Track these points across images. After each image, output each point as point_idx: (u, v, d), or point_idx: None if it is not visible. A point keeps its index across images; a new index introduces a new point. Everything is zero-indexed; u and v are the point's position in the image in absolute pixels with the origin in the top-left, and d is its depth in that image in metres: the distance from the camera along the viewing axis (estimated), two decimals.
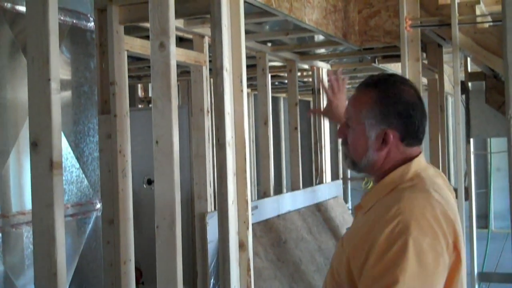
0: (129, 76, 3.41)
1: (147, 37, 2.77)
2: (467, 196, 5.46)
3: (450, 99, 8.44)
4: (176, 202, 2.36)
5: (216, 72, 2.86)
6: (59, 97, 1.74)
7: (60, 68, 1.80)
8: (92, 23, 2.27)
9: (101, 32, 3.23)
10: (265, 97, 5.25)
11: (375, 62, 5.94)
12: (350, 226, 1.79)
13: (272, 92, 5.91)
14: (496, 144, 8.30)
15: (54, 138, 1.71)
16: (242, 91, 2.96)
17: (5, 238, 1.88)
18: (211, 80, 3.73)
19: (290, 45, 5.39)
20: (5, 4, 1.92)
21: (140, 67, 5.95)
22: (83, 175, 2.18)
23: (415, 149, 1.64)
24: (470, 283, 5.09)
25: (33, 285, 1.76)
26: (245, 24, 3.07)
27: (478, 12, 4.65)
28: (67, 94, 2.15)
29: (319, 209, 5.80)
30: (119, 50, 3.24)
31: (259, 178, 7.35)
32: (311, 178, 6.79)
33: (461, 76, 5.31)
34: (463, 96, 5.77)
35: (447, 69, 5.90)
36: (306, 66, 6.50)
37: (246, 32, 3.23)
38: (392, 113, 1.58)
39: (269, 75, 5.40)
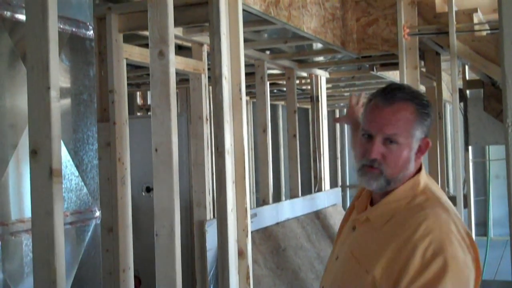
0: (128, 84, 3.42)
1: (146, 45, 2.79)
2: (466, 204, 5.46)
3: (448, 107, 8.46)
4: (175, 210, 2.36)
5: (215, 80, 2.87)
6: (58, 105, 1.74)
7: (59, 76, 1.80)
8: (92, 31, 2.27)
9: (100, 40, 3.24)
10: (263, 105, 5.26)
11: (373, 70, 5.95)
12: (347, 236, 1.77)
13: (270, 99, 5.93)
14: (495, 151, 8.31)
15: (54, 146, 1.71)
16: (241, 99, 2.97)
17: (4, 246, 1.88)
18: (210, 88, 3.74)
19: (288, 53, 5.41)
20: (5, 12, 1.93)
21: (139, 75, 5.96)
22: (82, 183, 2.18)
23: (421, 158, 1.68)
24: None
25: None
26: (244, 32, 3.08)
27: (475, 20, 4.66)
28: (67, 102, 2.16)
29: (318, 217, 5.80)
30: (118, 58, 3.24)
31: (258, 185, 7.36)
32: (310, 185, 6.79)
33: (459, 83, 5.32)
34: (461, 104, 5.79)
35: (445, 76, 5.92)
36: (304, 74, 6.52)
37: (245, 40, 3.24)
38: (429, 123, 1.63)
39: (268, 83, 5.41)
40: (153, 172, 2.40)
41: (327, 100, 6.65)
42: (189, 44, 4.17)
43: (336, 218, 6.12)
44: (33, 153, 1.72)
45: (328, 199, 6.27)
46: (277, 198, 9.12)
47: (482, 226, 8.27)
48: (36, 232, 1.74)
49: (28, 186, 1.77)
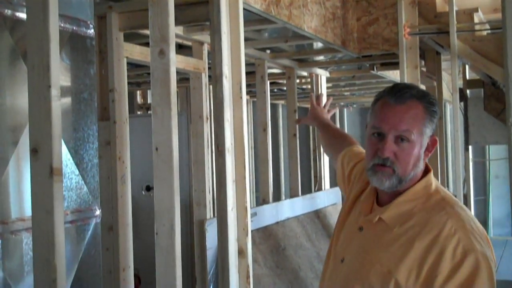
0: (128, 83, 3.42)
1: (146, 44, 2.78)
2: (466, 203, 5.46)
3: (448, 107, 8.45)
4: (175, 209, 2.36)
5: (215, 79, 2.87)
6: (59, 104, 1.74)
7: (60, 74, 1.80)
8: (92, 30, 2.27)
9: (101, 39, 3.24)
10: (264, 104, 5.26)
11: (373, 70, 5.95)
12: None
13: (271, 99, 5.93)
14: (495, 151, 8.32)
15: (54, 144, 1.71)
16: (241, 98, 2.97)
17: (4, 245, 1.88)
18: (210, 87, 3.74)
19: (289, 52, 5.41)
20: (5, 11, 1.93)
21: (139, 74, 5.96)
22: (83, 182, 2.18)
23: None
24: None
25: None
26: (245, 31, 3.07)
27: (476, 20, 4.66)
28: (67, 100, 2.16)
29: (318, 216, 5.80)
30: (119, 57, 3.24)
31: (258, 185, 7.36)
32: (310, 185, 6.80)
33: (460, 83, 5.32)
34: (462, 104, 5.79)
35: (445, 76, 5.92)
36: (305, 73, 6.52)
37: (245, 39, 3.24)
38: (437, 120, 1.65)
39: (268, 82, 5.41)
40: (153, 171, 2.40)
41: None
42: (189, 43, 4.17)
43: (336, 218, 6.11)
44: (34, 151, 1.73)
45: (328, 198, 6.27)
46: (277, 197, 9.13)
47: (482, 226, 8.26)
48: (36, 230, 1.74)
49: (28, 184, 1.77)
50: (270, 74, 6.06)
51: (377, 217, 1.65)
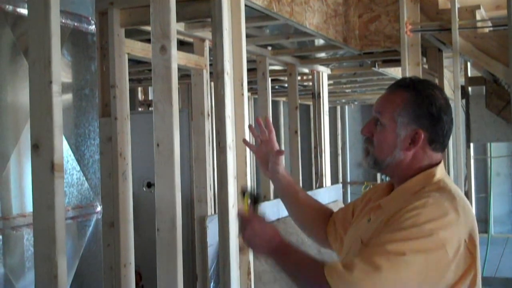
0: (129, 79, 3.42)
1: (148, 41, 2.78)
2: None
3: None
4: (176, 205, 2.36)
5: (216, 75, 2.86)
6: (60, 100, 1.74)
7: (61, 70, 1.80)
8: (93, 26, 2.27)
9: (102, 35, 3.23)
10: (265, 101, 5.25)
11: (375, 67, 5.94)
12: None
13: (272, 96, 5.92)
14: (496, 149, 8.31)
15: (55, 140, 1.71)
16: (242, 94, 2.97)
17: (5, 241, 1.88)
18: (212, 83, 3.73)
19: (290, 49, 5.40)
20: (7, 6, 1.93)
21: (140, 70, 5.95)
22: (84, 178, 2.18)
23: (439, 156, 1.66)
24: None
25: (34, 287, 1.76)
26: (246, 28, 3.07)
27: (478, 17, 4.65)
28: (68, 96, 2.15)
29: None
30: (120, 53, 3.24)
31: (259, 181, 7.36)
32: (311, 181, 6.79)
33: (461, 80, 5.32)
34: (463, 101, 5.78)
35: (447, 73, 5.91)
36: (306, 70, 6.51)
37: (247, 36, 3.23)
38: (425, 114, 1.60)
39: (269, 79, 5.40)
40: (154, 168, 2.39)
41: (329, 96, 6.64)
42: (191, 40, 4.17)
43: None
44: (35, 147, 1.72)
45: (329, 195, 6.27)
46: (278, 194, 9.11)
47: (483, 223, 8.27)
48: (37, 226, 1.74)
49: (29, 180, 1.77)
50: (272, 71, 6.05)
51: (377, 203, 1.68)
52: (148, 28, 2.68)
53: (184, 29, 3.84)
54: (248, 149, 3.00)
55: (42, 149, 1.72)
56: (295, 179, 5.71)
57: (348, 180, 11.80)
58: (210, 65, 3.88)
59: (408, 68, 4.45)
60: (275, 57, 5.37)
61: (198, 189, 4.13)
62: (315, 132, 6.43)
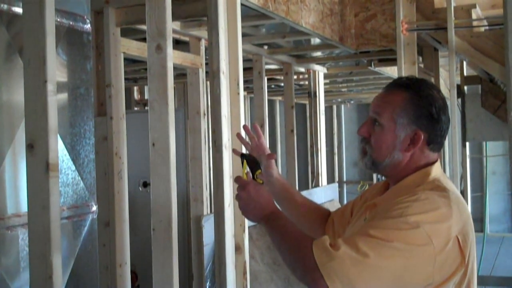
0: (125, 79, 3.40)
1: (143, 40, 2.77)
2: None
3: None
4: (172, 205, 2.35)
5: (212, 74, 2.86)
6: (55, 99, 1.73)
7: (56, 70, 1.79)
8: (89, 25, 2.26)
9: (97, 34, 3.22)
10: (261, 100, 5.25)
11: (371, 66, 5.94)
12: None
13: (268, 95, 5.92)
14: (492, 147, 8.32)
15: (50, 140, 1.70)
16: (238, 93, 2.96)
17: (0, 241, 1.87)
18: (208, 82, 3.73)
19: (286, 48, 5.39)
20: (2, 5, 1.92)
21: (136, 70, 5.94)
22: (79, 177, 2.17)
23: (436, 155, 1.66)
24: None
25: (29, 287, 1.75)
26: (242, 27, 3.06)
27: (474, 16, 4.66)
28: (64, 96, 2.15)
29: None
30: (116, 52, 3.23)
31: None
32: (307, 181, 6.79)
33: (457, 79, 5.32)
34: (459, 100, 5.79)
35: (443, 72, 5.92)
36: (302, 69, 6.51)
37: (243, 35, 3.23)
38: (425, 115, 1.60)
39: (266, 78, 5.40)
40: (150, 167, 2.39)
41: (325, 95, 6.64)
42: (186, 39, 4.16)
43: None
44: (30, 147, 1.72)
45: (325, 194, 6.27)
46: None
47: (479, 222, 8.28)
48: (32, 226, 1.73)
49: (24, 180, 1.76)
50: (268, 70, 6.05)
51: (373, 202, 1.68)
52: (143, 27, 2.67)
53: (180, 28, 3.83)
54: (243, 148, 2.99)
55: (37, 148, 1.71)
56: (291, 178, 5.75)
57: (344, 179, 11.81)
58: (206, 64, 3.87)
59: (404, 67, 4.45)
60: (271, 56, 5.37)
61: (194, 189, 4.13)
62: (311, 131, 6.43)
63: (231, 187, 2.92)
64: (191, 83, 4.08)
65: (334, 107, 11.78)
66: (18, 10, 1.92)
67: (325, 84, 7.08)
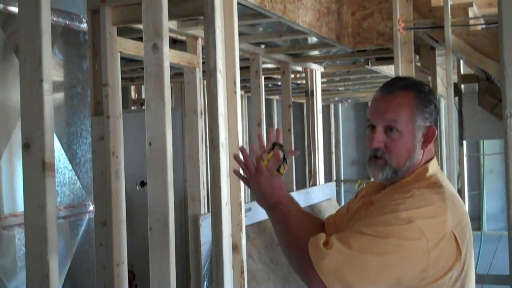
0: (122, 78, 3.40)
1: (140, 39, 2.77)
2: (460, 198, 5.45)
3: (443, 101, 8.45)
4: (169, 204, 2.35)
5: (209, 73, 2.85)
6: (51, 98, 1.72)
7: (52, 69, 1.78)
8: (85, 24, 2.26)
9: (94, 34, 3.22)
10: (258, 99, 5.25)
11: (368, 64, 5.95)
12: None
13: (265, 94, 5.91)
14: (489, 146, 8.33)
15: (47, 139, 1.70)
16: (235, 92, 2.96)
17: None
18: (205, 81, 3.72)
19: (283, 47, 5.39)
20: None
21: (133, 69, 5.94)
22: (76, 177, 2.16)
23: (433, 150, 1.68)
24: None
25: (25, 287, 1.74)
26: (239, 25, 3.06)
27: (471, 14, 4.66)
28: (60, 95, 2.14)
29: (313, 211, 5.80)
30: (112, 52, 3.23)
31: None
32: (305, 180, 6.80)
33: (454, 78, 5.32)
34: (456, 98, 5.79)
35: (440, 71, 5.92)
36: (299, 68, 6.51)
37: (240, 33, 3.22)
38: (432, 111, 1.62)
39: (263, 77, 5.39)
40: (147, 166, 2.38)
41: (322, 94, 6.64)
42: (183, 38, 4.15)
43: (330, 213, 6.09)
44: (26, 146, 1.71)
45: (323, 193, 6.27)
46: None
47: (476, 221, 8.30)
48: (29, 226, 1.73)
49: (20, 179, 1.76)
50: (265, 69, 6.05)
51: (369, 199, 1.68)
52: (140, 26, 2.66)
53: (177, 27, 3.83)
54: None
55: (33, 148, 1.70)
56: (288, 177, 5.74)
57: (342, 178, 11.81)
58: (203, 63, 3.87)
59: (401, 66, 4.45)
60: (268, 55, 5.37)
61: (191, 188, 4.12)
62: (309, 130, 6.43)
63: (228, 186, 2.92)
64: (188, 82, 4.07)
65: (332, 106, 11.78)
66: (14, 9, 1.92)
67: (322, 83, 7.08)
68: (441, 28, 4.47)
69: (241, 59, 3.34)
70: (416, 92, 1.62)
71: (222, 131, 2.87)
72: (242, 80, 4.98)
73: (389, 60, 5.45)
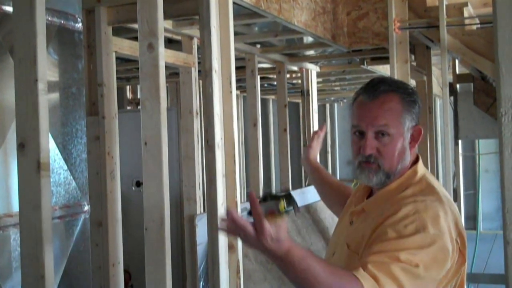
0: (117, 78, 3.39)
1: (135, 38, 2.77)
2: (456, 198, 5.48)
3: (438, 101, 8.48)
4: (165, 204, 2.35)
5: (205, 73, 2.85)
6: (46, 98, 1.72)
7: (47, 69, 1.78)
8: (80, 24, 2.25)
9: (89, 33, 3.21)
10: (254, 99, 5.24)
11: (363, 64, 5.95)
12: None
13: (261, 94, 5.91)
14: (484, 145, 8.34)
15: (42, 139, 1.70)
16: (231, 92, 2.96)
17: None
18: (200, 81, 3.72)
19: (279, 46, 5.39)
20: None
21: (128, 69, 5.92)
22: (71, 177, 2.16)
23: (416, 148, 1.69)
24: None
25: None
26: (234, 25, 3.06)
27: (466, 14, 4.67)
28: (55, 95, 2.14)
29: (309, 211, 5.80)
30: (108, 51, 3.22)
31: (248, 180, 7.35)
32: (301, 179, 6.79)
33: (449, 78, 5.33)
34: (452, 98, 5.80)
35: (435, 71, 5.93)
36: (295, 68, 6.51)
37: (235, 33, 3.22)
38: (417, 111, 1.64)
39: (258, 77, 5.39)
40: (142, 166, 2.38)
41: (318, 94, 6.64)
42: (179, 38, 4.15)
43: (326, 213, 6.12)
44: (21, 146, 1.71)
45: None
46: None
47: (472, 220, 8.31)
48: (24, 226, 1.73)
49: (16, 180, 1.75)
50: (260, 69, 6.04)
51: (360, 208, 1.68)
52: (135, 26, 2.66)
53: (172, 27, 3.82)
54: (237, 147, 2.99)
55: (28, 148, 1.70)
56: (284, 177, 5.75)
57: (338, 177, 11.82)
58: (199, 63, 3.86)
59: (396, 65, 4.45)
60: (263, 55, 5.36)
61: (187, 188, 4.12)
62: (304, 130, 6.43)
63: (224, 186, 2.92)
64: (183, 82, 4.07)
65: (327, 105, 11.79)
66: (9, 9, 1.91)
67: (318, 82, 7.08)
68: (436, 28, 4.47)
69: (236, 59, 3.34)
70: (402, 94, 1.62)
71: (218, 131, 2.87)
72: (237, 80, 4.97)
73: (385, 59, 5.45)
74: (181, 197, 4.53)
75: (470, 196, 8.74)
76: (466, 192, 7.48)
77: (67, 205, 2.14)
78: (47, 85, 1.73)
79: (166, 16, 2.54)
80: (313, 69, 6.37)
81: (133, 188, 4.99)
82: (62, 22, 2.16)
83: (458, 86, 6.03)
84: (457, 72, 6.08)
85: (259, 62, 5.53)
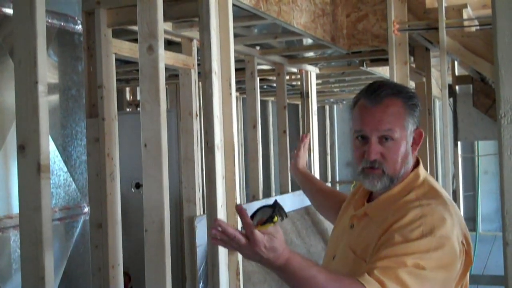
0: (117, 80, 3.39)
1: (135, 40, 2.77)
2: (455, 199, 5.47)
3: (437, 103, 8.49)
4: (164, 206, 2.35)
5: (204, 75, 2.85)
6: (46, 100, 1.72)
7: (47, 71, 1.78)
8: (80, 26, 2.25)
9: (89, 35, 3.21)
10: (253, 101, 5.25)
11: (363, 66, 5.96)
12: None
13: (260, 95, 5.91)
14: (484, 147, 8.35)
15: (42, 141, 1.70)
16: (230, 94, 2.96)
17: None
18: (200, 83, 3.72)
19: (278, 48, 5.39)
20: None
21: (128, 71, 5.93)
22: (71, 179, 2.16)
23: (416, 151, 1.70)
24: None
25: None
26: (234, 27, 3.06)
27: (465, 16, 4.67)
28: (55, 97, 2.14)
29: (308, 212, 5.80)
30: (107, 53, 3.22)
31: (247, 181, 7.35)
32: None
33: (449, 79, 5.33)
34: (451, 100, 5.81)
35: (434, 72, 5.94)
36: (294, 70, 6.51)
37: (235, 35, 3.22)
38: (418, 114, 1.64)
39: (258, 79, 5.40)
40: (142, 168, 2.38)
41: (317, 96, 6.64)
42: (178, 39, 4.15)
43: None
44: (21, 148, 1.71)
45: None
46: (267, 194, 9.13)
47: (471, 222, 8.31)
48: (24, 228, 1.73)
49: (16, 181, 1.75)
50: (260, 71, 6.05)
51: (363, 212, 1.68)
52: (135, 28, 2.66)
53: (172, 28, 3.83)
54: (236, 149, 3.00)
55: (28, 150, 1.70)
56: (284, 179, 5.75)
57: (337, 179, 11.82)
58: (198, 64, 3.87)
59: (395, 67, 4.46)
60: (263, 57, 5.37)
61: (186, 190, 4.12)
62: (304, 132, 6.43)
63: (223, 187, 2.92)
64: (183, 84, 4.07)
65: (327, 107, 11.79)
66: (9, 11, 1.91)
67: (317, 84, 7.09)
68: (435, 30, 4.48)
69: (236, 61, 3.34)
70: (404, 98, 1.62)
71: (218, 132, 2.87)
72: (237, 82, 4.97)
73: (384, 61, 5.46)
74: (180, 198, 4.54)
75: (469, 198, 8.74)
76: (465, 193, 7.49)
77: (67, 207, 2.14)
78: (47, 87, 1.73)
79: (166, 18, 2.55)
80: (313, 71, 6.37)
81: (133, 190, 5.00)
82: (62, 24, 2.16)
83: (457, 87, 6.03)
84: (456, 73, 6.08)
85: (259, 64, 5.54)
